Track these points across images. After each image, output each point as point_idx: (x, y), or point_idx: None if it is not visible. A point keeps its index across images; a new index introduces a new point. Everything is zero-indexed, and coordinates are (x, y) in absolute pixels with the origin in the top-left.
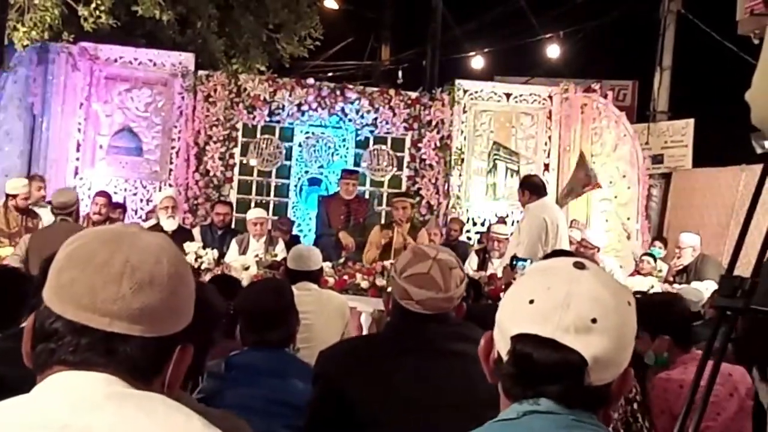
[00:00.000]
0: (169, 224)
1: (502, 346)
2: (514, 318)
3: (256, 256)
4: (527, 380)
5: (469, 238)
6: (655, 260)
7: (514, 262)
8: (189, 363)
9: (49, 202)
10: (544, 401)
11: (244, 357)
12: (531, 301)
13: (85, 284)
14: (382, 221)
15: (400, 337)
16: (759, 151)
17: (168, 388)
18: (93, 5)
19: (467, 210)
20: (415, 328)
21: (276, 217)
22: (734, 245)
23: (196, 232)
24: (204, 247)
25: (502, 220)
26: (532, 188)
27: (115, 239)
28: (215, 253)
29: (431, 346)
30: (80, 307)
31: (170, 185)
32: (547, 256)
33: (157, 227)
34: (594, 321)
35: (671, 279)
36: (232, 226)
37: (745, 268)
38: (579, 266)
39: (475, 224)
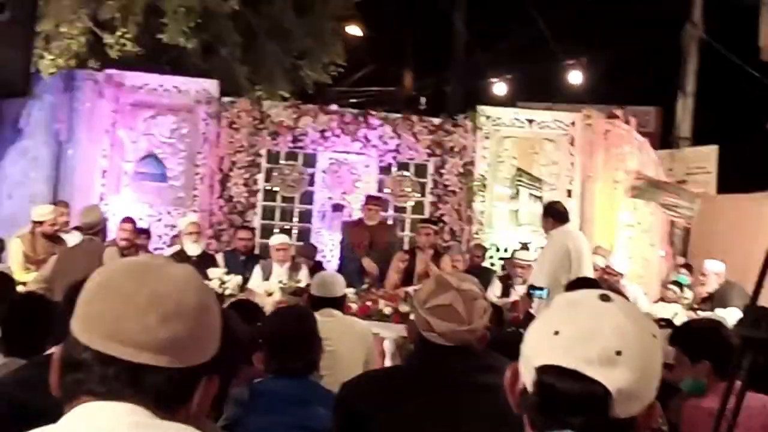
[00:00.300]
0: (194, 249)
1: (527, 378)
2: (538, 349)
3: (280, 282)
4: (551, 411)
5: (492, 265)
6: (681, 288)
7: (531, 291)
8: (215, 393)
9: (75, 228)
10: None
11: (268, 384)
12: (556, 333)
13: (113, 315)
14: (405, 247)
15: (422, 372)
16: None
17: (194, 418)
18: (119, 33)
19: (490, 236)
20: (437, 362)
21: (300, 243)
22: (759, 274)
23: (220, 257)
24: (228, 273)
25: (525, 247)
26: (555, 215)
27: (142, 270)
28: (239, 278)
29: (455, 380)
30: (107, 338)
31: (195, 211)
32: (570, 284)
33: (181, 253)
34: (619, 353)
35: (695, 306)
36: (256, 251)
37: None
38: (605, 299)
39: (498, 250)
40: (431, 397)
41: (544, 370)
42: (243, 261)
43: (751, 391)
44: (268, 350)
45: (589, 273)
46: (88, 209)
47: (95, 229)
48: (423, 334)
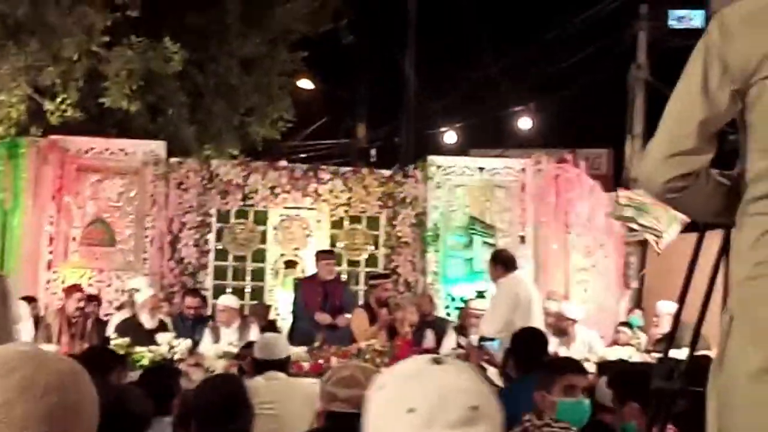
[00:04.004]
0: (150, 322)
1: None
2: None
3: (230, 344)
4: None
5: (448, 314)
6: (632, 329)
7: (482, 343)
8: None
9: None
10: None
11: None
12: (410, 410)
13: None
14: (360, 302)
15: None
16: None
17: None
18: (59, 99)
19: (445, 286)
20: (344, 424)
21: (253, 302)
22: (698, 316)
23: (169, 321)
24: (177, 337)
25: (480, 295)
26: (503, 262)
27: (33, 359)
28: (188, 342)
29: None
30: None
31: (145, 275)
32: (517, 333)
33: (134, 320)
34: (475, 408)
35: (650, 348)
36: (208, 313)
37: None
38: (437, 362)
39: (453, 300)
40: None
41: None
42: (191, 325)
43: None
44: (197, 423)
45: (540, 320)
46: None
47: None
48: (329, 408)
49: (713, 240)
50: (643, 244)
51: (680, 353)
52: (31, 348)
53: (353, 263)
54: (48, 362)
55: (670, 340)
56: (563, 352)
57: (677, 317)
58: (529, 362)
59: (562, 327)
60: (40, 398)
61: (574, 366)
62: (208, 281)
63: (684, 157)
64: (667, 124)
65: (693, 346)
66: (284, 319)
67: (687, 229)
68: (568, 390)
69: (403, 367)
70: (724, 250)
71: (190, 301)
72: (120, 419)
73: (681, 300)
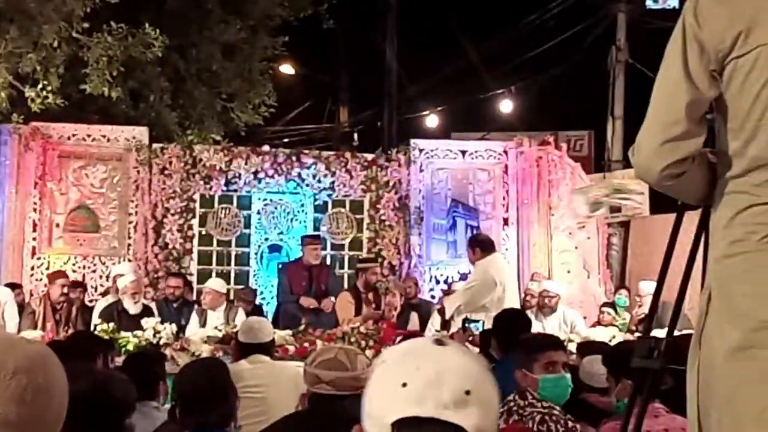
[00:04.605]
0: (133, 307)
1: None
2: (389, 405)
3: (216, 327)
4: None
5: (433, 297)
6: (615, 310)
7: (467, 324)
8: None
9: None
10: None
11: None
12: (404, 385)
13: None
14: (345, 285)
15: (314, 414)
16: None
17: None
18: (40, 86)
19: (429, 269)
20: (328, 405)
21: (239, 287)
22: (677, 294)
23: (154, 306)
24: (162, 322)
25: (463, 278)
26: (480, 245)
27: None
28: (174, 327)
29: (346, 421)
30: None
31: (129, 260)
32: (499, 315)
33: (117, 305)
34: (468, 393)
35: (633, 328)
36: (193, 297)
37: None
38: (439, 343)
39: (438, 282)
40: None
41: (401, 424)
42: (176, 308)
43: (672, 413)
44: (181, 407)
45: (515, 300)
46: None
47: None
48: (313, 390)
49: (694, 219)
50: (625, 225)
51: (663, 333)
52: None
53: (337, 247)
54: (16, 345)
55: (650, 319)
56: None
57: (657, 296)
58: (511, 343)
59: (547, 304)
60: (9, 380)
61: (552, 342)
62: (192, 266)
63: (677, 143)
64: (655, 112)
65: (672, 324)
66: (269, 303)
67: (668, 209)
68: (549, 367)
69: (407, 344)
70: (703, 228)
71: (172, 281)
72: (103, 405)
73: (661, 279)
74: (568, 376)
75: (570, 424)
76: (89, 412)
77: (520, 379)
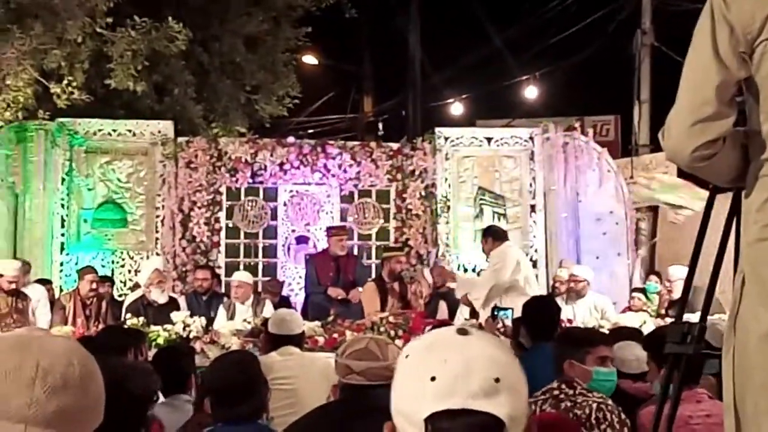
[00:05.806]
0: (160, 297)
1: None
2: (420, 400)
3: (245, 320)
4: None
5: None
6: (646, 296)
7: (496, 312)
8: None
9: (37, 281)
10: None
11: None
12: (432, 378)
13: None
14: (372, 275)
15: (346, 405)
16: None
17: None
18: (65, 82)
19: (457, 257)
20: (359, 395)
21: (266, 279)
22: (710, 279)
23: (182, 300)
24: (191, 315)
25: None
26: (494, 235)
27: (23, 344)
28: (203, 320)
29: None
30: None
31: (157, 254)
32: (531, 300)
33: (142, 299)
34: (497, 380)
35: (662, 313)
36: (222, 290)
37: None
38: (462, 332)
39: (466, 271)
40: (355, 425)
41: (434, 419)
42: (206, 301)
43: (715, 399)
44: (213, 399)
45: (535, 287)
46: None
47: None
48: (344, 381)
49: (724, 203)
50: (654, 209)
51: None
52: (25, 331)
53: (364, 237)
54: (43, 341)
55: (682, 304)
56: (577, 317)
57: (689, 281)
58: (541, 330)
59: (574, 289)
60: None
61: (604, 337)
62: (220, 259)
63: (707, 124)
64: (684, 94)
65: (705, 309)
66: (297, 295)
67: None
68: (600, 361)
69: (429, 336)
70: (735, 212)
71: (200, 274)
72: (118, 398)
73: (692, 264)
74: (615, 371)
75: (623, 416)
76: (108, 405)
77: (567, 369)
